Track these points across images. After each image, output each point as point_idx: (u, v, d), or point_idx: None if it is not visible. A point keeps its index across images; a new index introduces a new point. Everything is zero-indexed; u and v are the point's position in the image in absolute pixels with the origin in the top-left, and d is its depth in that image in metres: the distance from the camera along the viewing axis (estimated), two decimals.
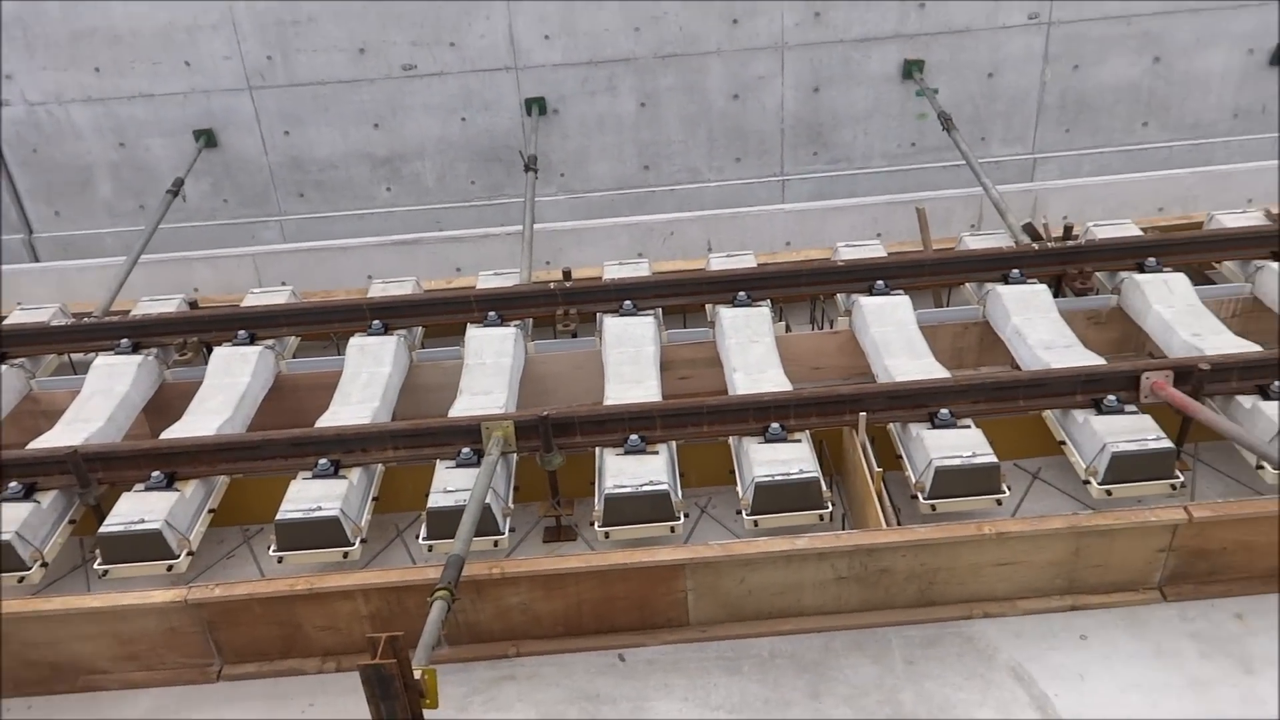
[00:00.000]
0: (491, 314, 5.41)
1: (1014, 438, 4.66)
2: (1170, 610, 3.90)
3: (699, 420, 4.46)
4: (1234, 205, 6.75)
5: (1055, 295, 5.51)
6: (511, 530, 4.28)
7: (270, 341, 5.42)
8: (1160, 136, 7.68)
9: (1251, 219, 5.85)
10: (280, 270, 6.78)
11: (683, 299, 5.56)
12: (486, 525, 4.12)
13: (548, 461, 4.45)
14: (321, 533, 4.16)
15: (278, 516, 4.17)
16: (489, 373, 5.03)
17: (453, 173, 7.46)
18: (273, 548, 4.19)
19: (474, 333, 5.31)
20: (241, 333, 5.39)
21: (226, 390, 5.03)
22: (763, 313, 5.30)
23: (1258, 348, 4.64)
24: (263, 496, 4.52)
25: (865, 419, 4.37)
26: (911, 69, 7.22)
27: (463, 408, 4.76)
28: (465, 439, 4.43)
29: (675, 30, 6.99)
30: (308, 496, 4.25)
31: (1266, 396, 4.32)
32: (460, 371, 5.10)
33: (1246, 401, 4.33)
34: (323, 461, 4.41)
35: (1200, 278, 5.81)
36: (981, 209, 6.95)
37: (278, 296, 5.81)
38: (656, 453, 4.37)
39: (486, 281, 5.82)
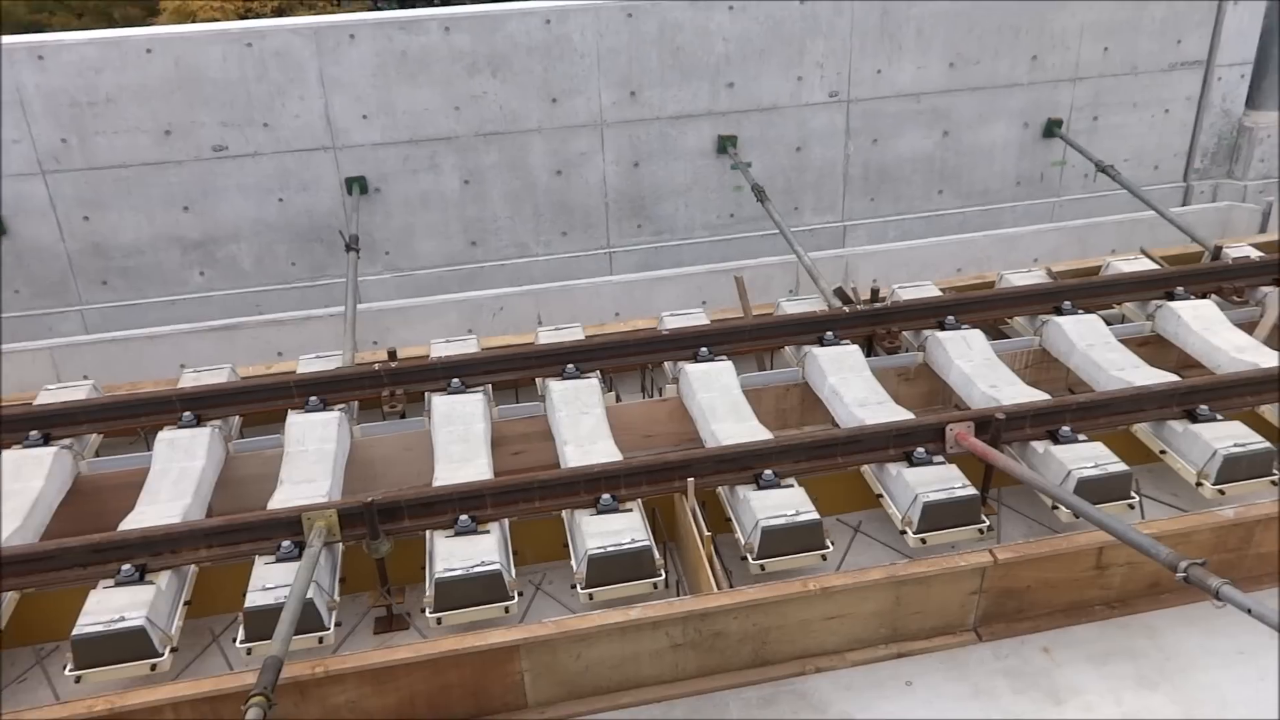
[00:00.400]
0: (313, 399, 5.23)
1: (836, 493, 4.84)
2: (985, 650, 4.10)
3: (530, 496, 4.43)
4: (1021, 264, 7.38)
5: (868, 354, 5.82)
6: (338, 624, 4.09)
7: (68, 441, 5.04)
8: (955, 203, 8.31)
9: (1035, 277, 6.38)
10: (82, 363, 6.36)
11: (512, 374, 5.55)
12: (310, 621, 3.92)
13: (375, 549, 4.29)
14: (126, 645, 3.85)
15: (74, 632, 3.84)
16: (311, 460, 4.85)
17: (271, 255, 7.24)
18: (69, 667, 3.85)
19: (294, 419, 5.12)
20: (33, 433, 5.00)
21: (16, 497, 4.62)
22: (592, 384, 5.34)
23: (1047, 396, 5.02)
24: (60, 611, 4.16)
25: (694, 484, 4.44)
26: (725, 144, 7.57)
27: (283, 498, 4.55)
28: (285, 532, 4.23)
29: (496, 109, 7.08)
30: (109, 607, 3.94)
31: (1056, 440, 4.67)
32: (280, 461, 4.89)
33: (1040, 446, 4.66)
34: (126, 567, 4.10)
35: (995, 332, 6.27)
36: (798, 275, 7.31)
37: (76, 392, 5.42)
38: (488, 532, 4.30)
39: (307, 365, 5.64)
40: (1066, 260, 7.26)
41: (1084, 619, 4.22)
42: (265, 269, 7.28)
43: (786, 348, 5.82)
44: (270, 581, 4.02)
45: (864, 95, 7.75)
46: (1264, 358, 5.30)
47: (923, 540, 4.31)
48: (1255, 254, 6.49)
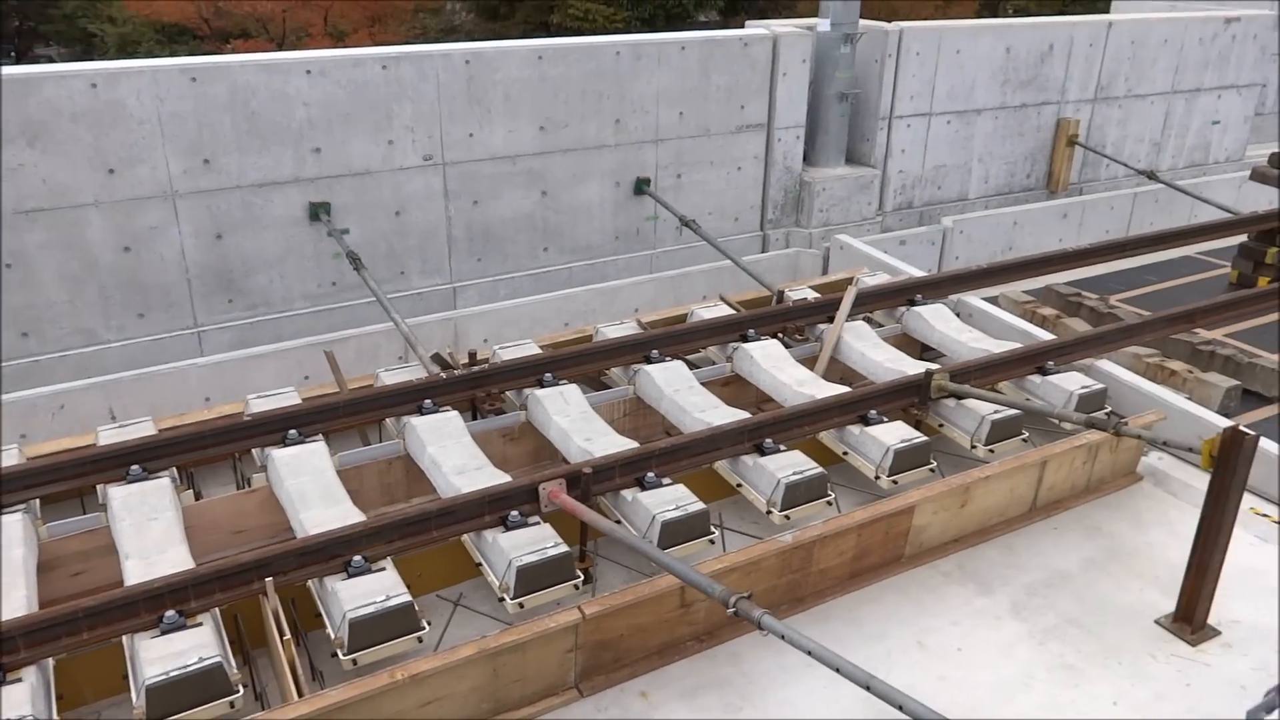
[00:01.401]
0: None
1: (438, 567, 4.70)
2: (588, 704, 4.13)
3: (75, 629, 3.84)
4: (624, 315, 7.74)
5: (473, 418, 5.78)
6: None
7: None
8: (560, 259, 8.59)
9: (627, 329, 6.71)
10: None
11: (64, 484, 4.84)
12: None
13: None
14: None
15: None
16: None
17: None
18: None
19: None
20: None
21: None
22: (160, 485, 4.80)
23: (636, 444, 5.24)
24: None
25: (273, 584, 4.09)
26: (318, 211, 7.26)
27: None
28: None
29: (38, 183, 6.26)
30: None
31: (643, 487, 4.87)
32: None
33: (629, 494, 4.84)
34: None
35: (597, 383, 6.50)
36: (412, 340, 7.12)
37: None
38: (20, 680, 3.66)
39: None
40: (662, 309, 7.74)
41: (677, 656, 4.40)
42: None
43: (387, 420, 5.62)
44: None
45: (459, 158, 7.80)
46: (820, 389, 5.93)
47: (520, 605, 4.28)
48: (813, 295, 7.31)
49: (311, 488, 4.87)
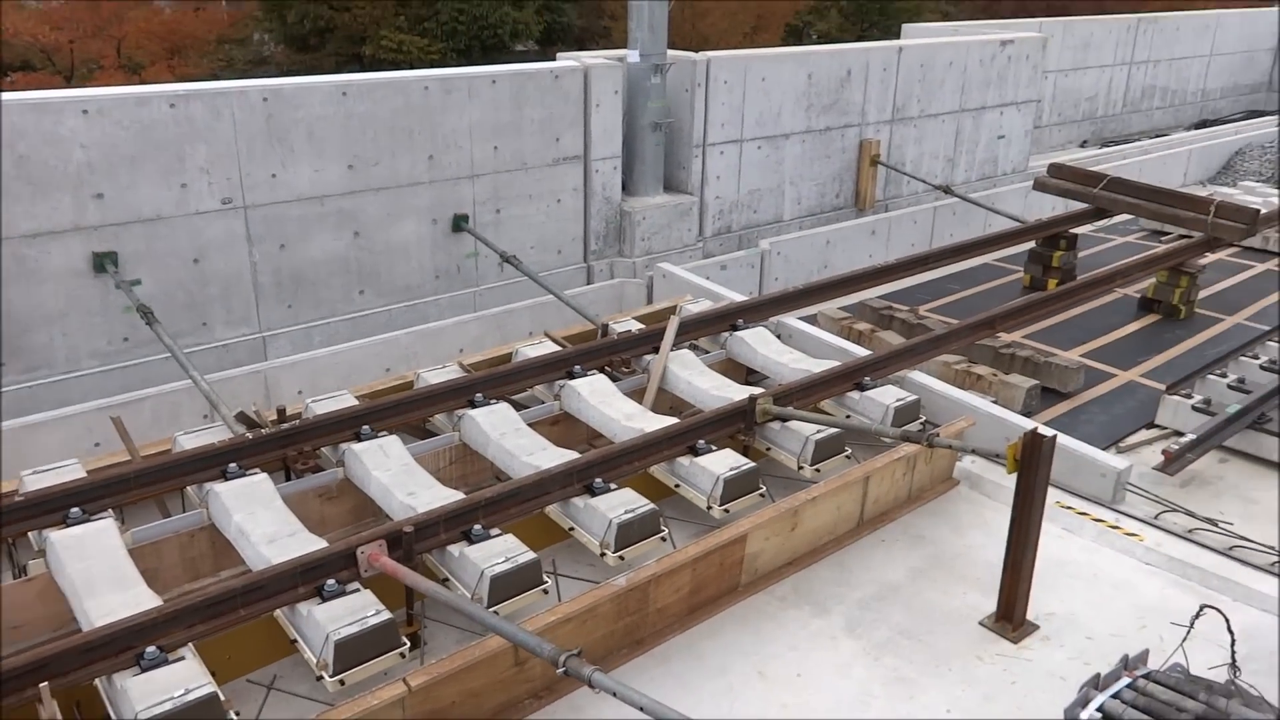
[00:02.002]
0: None
1: (248, 648, 4.34)
2: None
3: None
4: (448, 357, 7.46)
5: (286, 479, 5.41)
6: None
7: None
8: (378, 302, 8.25)
9: (451, 373, 6.48)
10: None
11: None
12: None
13: None
14: None
15: None
16: None
17: None
18: None
19: None
20: None
21: None
22: None
23: (461, 495, 5.02)
24: None
25: (49, 689, 3.64)
26: (103, 262, 6.68)
27: None
28: None
29: None
30: None
31: (471, 541, 4.66)
32: None
33: (455, 549, 4.62)
34: None
35: (422, 432, 6.22)
36: (214, 399, 6.63)
37: None
38: None
39: None
40: (488, 348, 7.54)
41: (516, 716, 4.21)
42: None
43: (188, 488, 5.18)
44: None
45: (262, 200, 7.37)
46: (649, 422, 5.88)
47: (341, 682, 3.99)
48: (638, 326, 7.29)
49: (99, 571, 4.40)
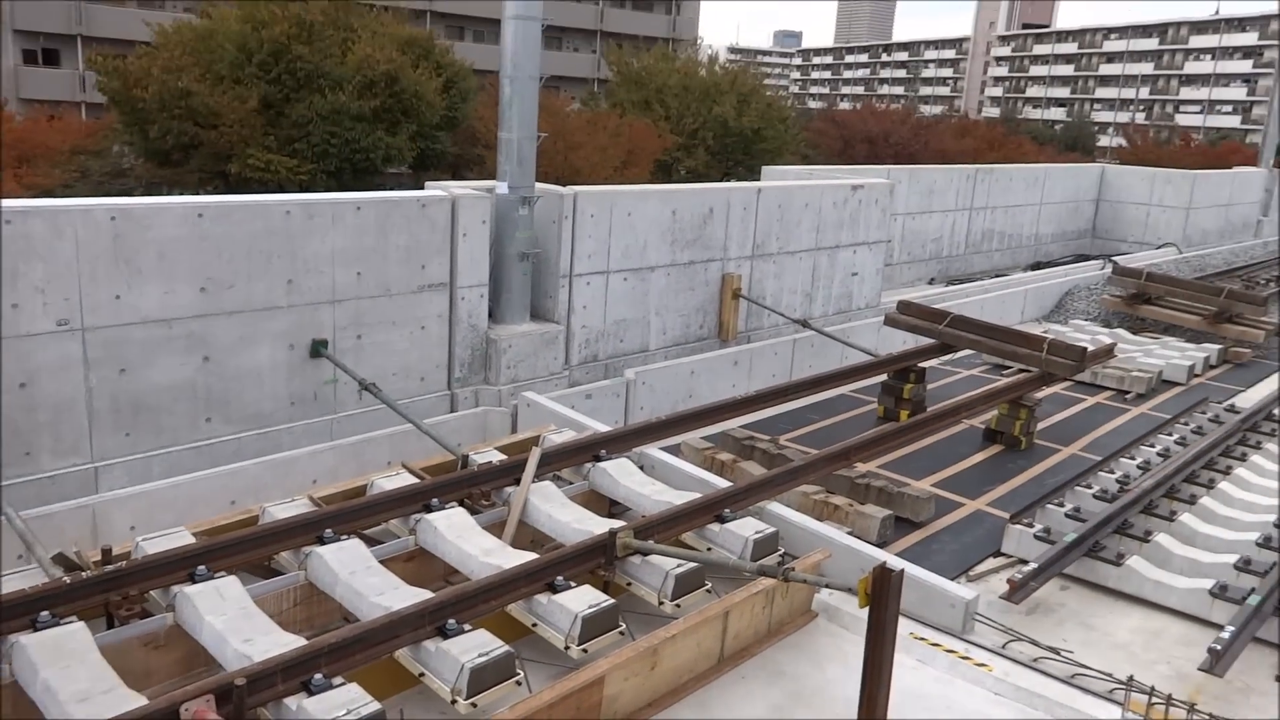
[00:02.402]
0: None
1: None
2: None
3: None
4: (300, 489, 7.15)
5: (108, 626, 4.98)
6: None
7: None
8: (226, 430, 7.87)
9: (300, 507, 6.18)
10: None
11: None
12: None
13: None
14: None
15: None
16: None
17: None
18: None
19: None
20: None
21: None
22: None
23: (303, 641, 4.72)
24: None
25: None
26: None
27: None
28: None
29: None
30: None
31: (310, 693, 4.35)
32: None
33: (293, 703, 4.31)
34: None
35: (267, 571, 5.87)
36: (29, 538, 6.11)
37: None
38: None
39: None
40: (344, 479, 7.26)
41: None
42: None
43: None
44: None
45: (103, 322, 7.02)
46: (508, 558, 5.72)
47: None
48: (500, 457, 7.17)
49: None
